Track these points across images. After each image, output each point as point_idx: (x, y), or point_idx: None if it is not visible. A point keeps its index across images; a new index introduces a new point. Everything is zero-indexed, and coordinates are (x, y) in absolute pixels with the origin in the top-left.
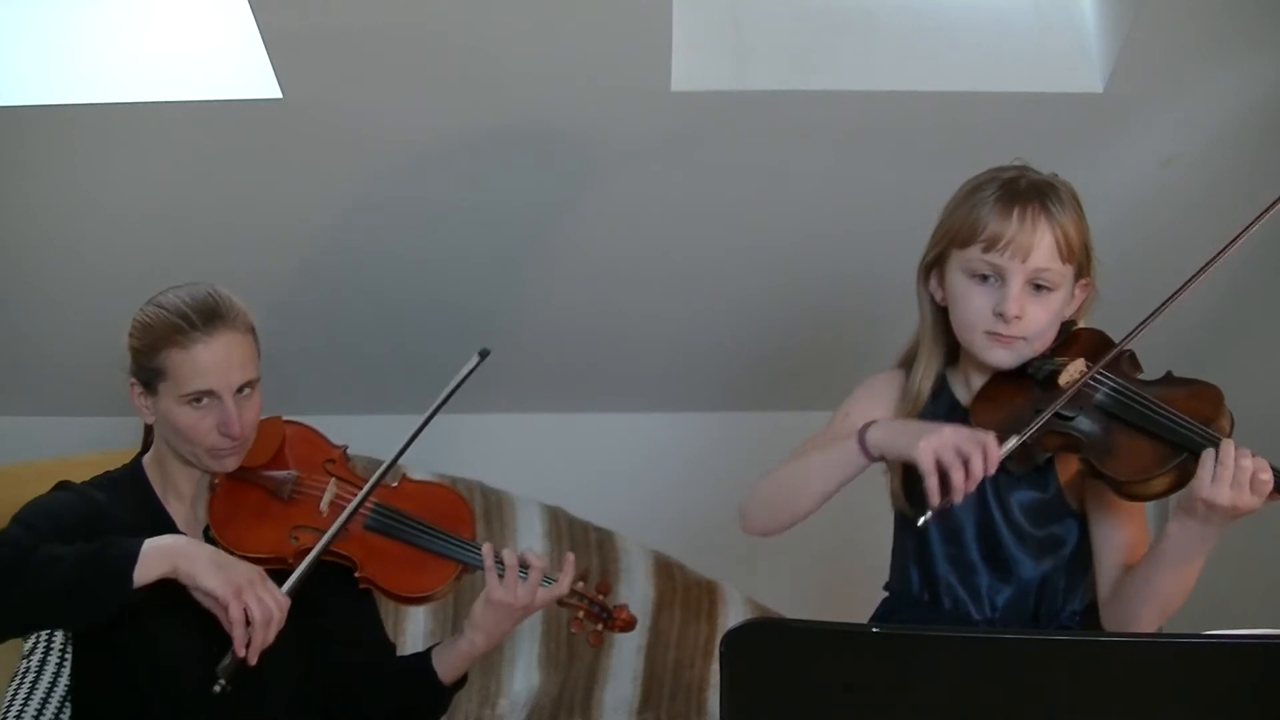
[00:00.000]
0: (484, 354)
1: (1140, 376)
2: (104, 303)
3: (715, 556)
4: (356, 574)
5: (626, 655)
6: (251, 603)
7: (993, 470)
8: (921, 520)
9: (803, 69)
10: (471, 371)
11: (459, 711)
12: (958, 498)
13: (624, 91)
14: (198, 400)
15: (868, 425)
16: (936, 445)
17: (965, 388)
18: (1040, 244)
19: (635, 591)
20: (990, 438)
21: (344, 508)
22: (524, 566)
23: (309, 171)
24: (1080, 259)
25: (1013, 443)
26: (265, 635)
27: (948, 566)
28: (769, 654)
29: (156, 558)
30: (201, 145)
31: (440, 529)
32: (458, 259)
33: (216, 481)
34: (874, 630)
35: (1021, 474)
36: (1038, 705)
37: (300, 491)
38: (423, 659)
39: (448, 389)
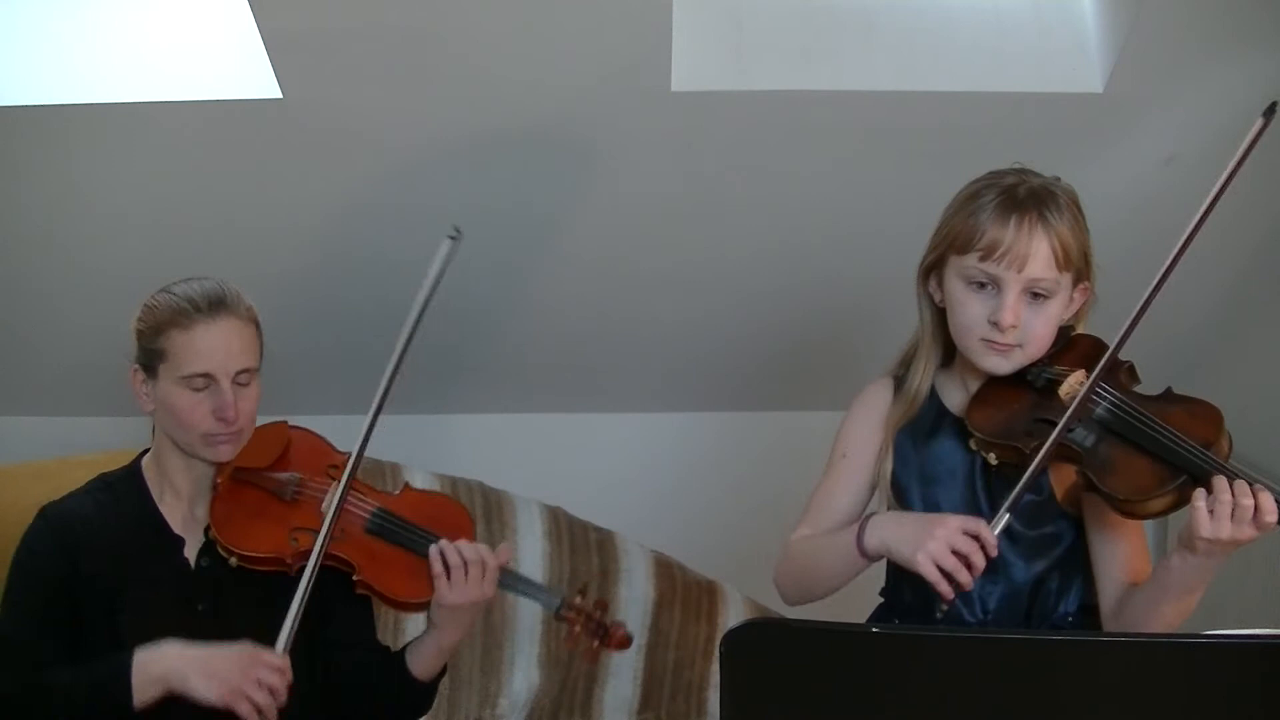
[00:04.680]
0: (455, 234)
1: (1138, 389)
2: (103, 303)
3: (715, 556)
4: (355, 577)
5: (626, 655)
6: (254, 694)
7: (994, 555)
8: (939, 615)
9: (803, 69)
10: (449, 257)
11: (459, 711)
12: (968, 588)
13: (624, 91)
14: (195, 382)
15: (865, 525)
16: (935, 554)
17: (961, 391)
18: (1037, 253)
19: (635, 591)
20: (983, 526)
21: (346, 511)
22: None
23: (309, 172)
24: (1078, 265)
25: (1005, 519)
26: (276, 709)
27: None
28: (769, 654)
29: (148, 685)
30: (201, 145)
31: (441, 536)
32: (458, 258)
33: (219, 481)
34: (874, 630)
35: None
36: (1037, 705)
37: (302, 493)
38: (397, 658)
39: (426, 284)
